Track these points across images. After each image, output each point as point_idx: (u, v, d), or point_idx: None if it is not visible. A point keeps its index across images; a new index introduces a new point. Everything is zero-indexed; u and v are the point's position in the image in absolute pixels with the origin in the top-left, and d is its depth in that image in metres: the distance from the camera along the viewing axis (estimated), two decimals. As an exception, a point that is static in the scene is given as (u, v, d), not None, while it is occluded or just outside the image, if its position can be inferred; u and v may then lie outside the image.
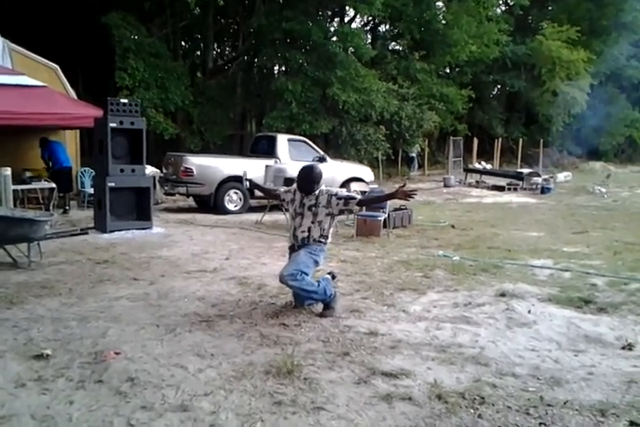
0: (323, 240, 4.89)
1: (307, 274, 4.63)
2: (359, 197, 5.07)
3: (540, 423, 2.89)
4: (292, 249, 4.96)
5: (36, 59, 11.97)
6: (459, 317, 4.72)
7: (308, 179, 4.84)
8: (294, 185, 5.06)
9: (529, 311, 4.83)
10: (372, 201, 4.90)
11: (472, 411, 3.01)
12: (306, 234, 4.83)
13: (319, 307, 4.81)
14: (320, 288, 4.66)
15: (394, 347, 3.96)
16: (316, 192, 4.87)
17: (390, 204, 9.31)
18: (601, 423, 2.90)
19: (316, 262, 4.85)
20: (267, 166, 11.15)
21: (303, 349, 3.89)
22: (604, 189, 17.60)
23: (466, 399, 3.14)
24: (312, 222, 4.83)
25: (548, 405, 3.09)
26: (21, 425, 2.80)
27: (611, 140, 32.98)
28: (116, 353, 3.71)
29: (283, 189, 5.20)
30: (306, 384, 3.31)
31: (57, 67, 12.20)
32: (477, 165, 22.69)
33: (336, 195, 4.84)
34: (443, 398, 3.15)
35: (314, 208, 4.81)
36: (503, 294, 5.35)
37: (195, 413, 2.93)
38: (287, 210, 5.19)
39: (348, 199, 4.83)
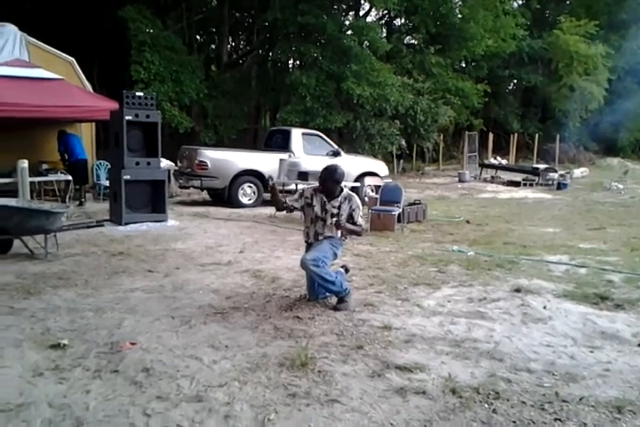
0: (344, 238, 4.97)
1: (327, 264, 4.66)
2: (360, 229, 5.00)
3: (556, 419, 2.87)
4: (310, 245, 4.96)
5: (52, 52, 12.04)
6: (473, 312, 4.69)
7: (332, 179, 4.77)
8: (308, 189, 5.01)
9: (544, 307, 4.80)
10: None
11: (486, 406, 3.00)
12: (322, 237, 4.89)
13: (333, 300, 4.81)
14: (337, 280, 4.67)
15: (408, 341, 3.95)
16: (340, 198, 4.81)
17: (405, 198, 9.30)
18: (617, 420, 2.87)
19: (335, 255, 4.88)
20: (281, 160, 11.15)
21: (317, 342, 3.89)
22: (621, 186, 17.43)
23: (480, 394, 3.13)
24: (332, 231, 4.85)
25: (564, 401, 3.07)
26: (39, 413, 2.82)
27: (629, 135, 32.64)
28: (132, 344, 3.74)
29: (289, 199, 5.07)
30: (320, 377, 3.31)
31: (73, 60, 12.27)
32: (493, 161, 22.57)
33: (355, 210, 4.82)
34: (457, 392, 3.14)
35: (337, 217, 4.77)
36: (518, 290, 5.32)
37: (209, 403, 2.95)
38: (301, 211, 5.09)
39: (359, 225, 4.87)
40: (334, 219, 4.75)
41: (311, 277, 4.74)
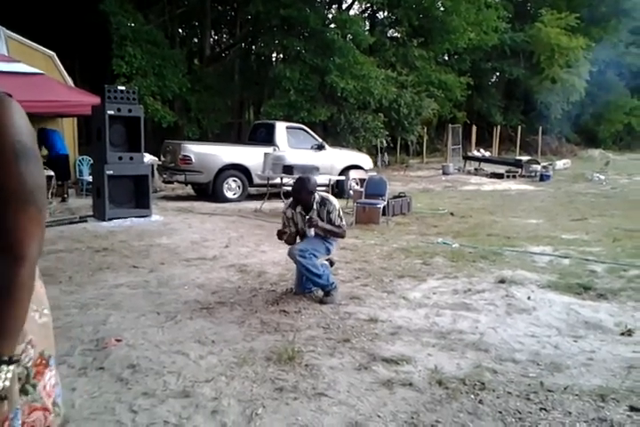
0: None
1: (316, 257, 4.66)
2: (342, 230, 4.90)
3: (541, 409, 2.90)
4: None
5: (32, 46, 11.87)
6: (458, 303, 4.72)
7: (306, 190, 4.74)
8: (287, 210, 4.95)
9: (528, 298, 4.84)
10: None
11: (473, 397, 3.02)
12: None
13: (319, 294, 4.81)
14: (324, 274, 4.68)
15: (394, 333, 3.97)
16: (315, 207, 4.79)
17: (389, 191, 9.33)
18: (601, 408, 2.91)
19: (328, 250, 4.89)
20: (265, 154, 11.11)
21: (304, 335, 3.89)
22: (602, 177, 17.62)
23: (466, 385, 3.15)
24: (322, 238, 4.85)
25: (549, 390, 3.10)
26: (24, 412, 2.79)
27: (609, 127, 33.03)
28: (117, 340, 3.72)
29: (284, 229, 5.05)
30: (307, 371, 3.31)
31: (53, 54, 12.11)
32: (476, 153, 22.68)
33: (331, 213, 4.77)
34: (443, 383, 3.15)
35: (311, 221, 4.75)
36: (503, 281, 5.35)
37: (196, 399, 2.94)
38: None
39: (337, 226, 4.81)
40: (307, 217, 4.72)
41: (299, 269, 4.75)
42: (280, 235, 4.82)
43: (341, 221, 4.87)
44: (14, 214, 1.22)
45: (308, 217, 4.72)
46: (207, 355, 3.52)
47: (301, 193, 4.76)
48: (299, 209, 4.86)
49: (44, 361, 1.38)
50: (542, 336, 3.96)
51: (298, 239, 4.97)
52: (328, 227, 4.75)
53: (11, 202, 1.21)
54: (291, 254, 4.65)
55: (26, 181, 1.23)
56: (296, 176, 8.74)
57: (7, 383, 1.20)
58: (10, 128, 1.21)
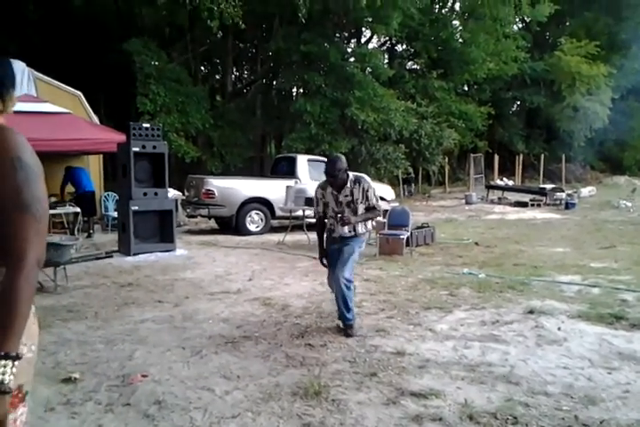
0: (365, 231, 4.98)
1: (352, 280, 4.75)
2: (378, 211, 4.97)
3: (577, 444, 2.81)
4: (333, 238, 4.92)
5: (59, 86, 12.24)
6: (487, 335, 4.63)
7: (341, 168, 4.66)
8: (317, 190, 4.95)
9: (559, 328, 4.74)
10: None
11: (505, 431, 2.94)
12: (352, 233, 4.83)
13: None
14: (353, 310, 4.70)
15: (422, 366, 3.90)
16: (348, 185, 4.75)
17: (412, 221, 9.29)
18: (640, 443, 2.81)
19: (360, 255, 4.99)
20: (287, 187, 11.19)
21: (330, 369, 3.84)
22: (629, 204, 17.36)
23: (498, 419, 3.07)
24: (355, 239, 4.84)
25: (584, 424, 3.00)
26: (50, 449, 2.79)
27: (634, 153, 32.69)
28: (143, 376, 3.70)
29: (316, 209, 5.11)
30: (334, 406, 3.26)
31: (80, 93, 12.47)
32: (499, 182, 22.56)
33: (368, 191, 4.77)
34: (474, 418, 3.08)
35: (352, 205, 4.74)
36: (531, 312, 5.26)
37: (223, 435, 2.90)
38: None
39: (372, 207, 4.84)
40: (339, 216, 4.71)
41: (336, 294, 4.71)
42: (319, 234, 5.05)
43: (377, 201, 4.88)
44: (13, 222, 1.37)
45: (340, 217, 4.70)
46: (233, 390, 3.49)
47: (337, 175, 4.69)
48: (329, 189, 4.82)
49: (20, 394, 1.43)
50: (575, 368, 3.86)
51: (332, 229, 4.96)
52: (361, 219, 4.78)
53: (9, 210, 1.37)
54: (335, 280, 4.61)
55: (22, 192, 1.40)
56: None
57: (12, 378, 1.28)
58: (11, 147, 1.44)
